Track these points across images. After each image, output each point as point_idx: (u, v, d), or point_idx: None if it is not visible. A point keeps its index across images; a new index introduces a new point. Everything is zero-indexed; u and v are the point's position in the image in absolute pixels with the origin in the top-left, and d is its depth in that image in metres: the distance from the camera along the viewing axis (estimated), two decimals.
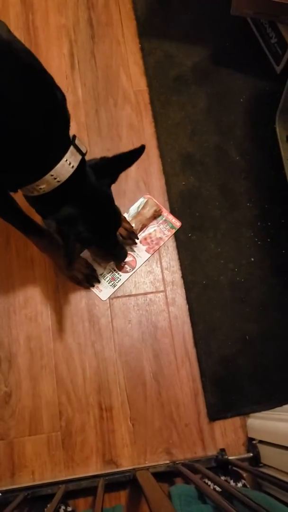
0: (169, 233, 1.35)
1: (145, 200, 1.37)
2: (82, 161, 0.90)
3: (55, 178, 0.85)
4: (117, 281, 1.30)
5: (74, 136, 0.89)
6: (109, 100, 1.48)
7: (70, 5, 1.58)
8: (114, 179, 1.02)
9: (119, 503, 1.14)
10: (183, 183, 1.40)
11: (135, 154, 0.97)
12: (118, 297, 1.30)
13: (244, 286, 1.32)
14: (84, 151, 0.90)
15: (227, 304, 1.30)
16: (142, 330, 1.27)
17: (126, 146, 1.44)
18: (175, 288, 1.32)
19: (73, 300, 1.28)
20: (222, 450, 1.17)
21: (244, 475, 1.15)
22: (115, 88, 1.50)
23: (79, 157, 0.88)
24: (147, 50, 1.54)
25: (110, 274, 1.30)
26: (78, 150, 0.88)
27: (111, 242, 1.13)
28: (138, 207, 1.37)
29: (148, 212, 1.34)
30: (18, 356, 1.23)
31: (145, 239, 1.34)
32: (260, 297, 1.31)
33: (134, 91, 1.50)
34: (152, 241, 1.34)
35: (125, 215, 1.35)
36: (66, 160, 0.85)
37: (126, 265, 1.31)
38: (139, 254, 1.32)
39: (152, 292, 1.31)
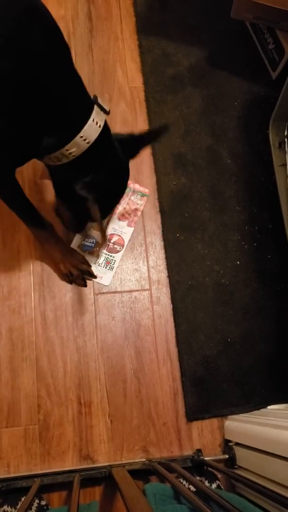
0: (142, 201, 1.37)
1: None
2: (105, 122, 0.89)
3: (84, 139, 0.84)
4: (112, 263, 1.31)
5: (95, 96, 0.89)
6: (104, 95, 1.47)
7: None
8: (134, 155, 1.01)
9: (93, 499, 1.14)
10: (174, 182, 1.40)
11: (158, 132, 0.99)
12: (103, 293, 1.29)
13: (228, 289, 1.33)
14: (107, 109, 0.89)
15: (211, 305, 1.31)
16: (125, 327, 1.27)
17: None
18: (160, 287, 1.32)
19: (58, 294, 1.27)
20: (199, 450, 1.18)
21: (219, 476, 1.17)
22: (111, 83, 1.49)
23: (104, 116, 0.88)
24: (145, 47, 1.54)
25: (103, 258, 1.31)
26: (102, 109, 0.88)
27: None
28: None
29: None
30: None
31: (123, 215, 1.35)
32: (243, 300, 1.32)
33: (130, 87, 1.50)
34: (129, 214, 1.35)
35: None
36: (93, 120, 0.84)
37: (115, 245, 1.32)
38: (123, 231, 1.34)
39: (137, 290, 1.31)
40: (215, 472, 1.16)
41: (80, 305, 1.27)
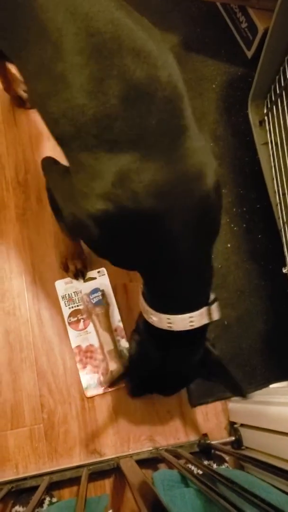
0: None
1: None
2: (206, 325, 0.86)
3: (169, 323, 0.82)
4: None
5: (215, 299, 0.86)
6: None
7: None
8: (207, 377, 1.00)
9: (103, 492, 1.15)
10: None
11: (238, 390, 0.96)
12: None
13: (221, 272, 1.33)
14: (214, 318, 0.85)
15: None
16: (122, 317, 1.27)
17: None
18: None
19: (52, 293, 1.27)
20: (205, 435, 1.19)
21: (227, 458, 1.17)
22: None
23: (205, 321, 0.84)
24: None
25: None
26: (209, 315, 0.84)
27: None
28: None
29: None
30: None
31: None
32: (237, 282, 1.32)
33: None
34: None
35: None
36: (191, 317, 0.82)
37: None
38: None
39: (131, 281, 1.30)
40: (223, 454, 1.17)
41: None
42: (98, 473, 1.13)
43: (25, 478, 1.10)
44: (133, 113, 0.68)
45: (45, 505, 1.05)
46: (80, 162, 0.73)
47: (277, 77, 1.26)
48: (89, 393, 1.21)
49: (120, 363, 1.20)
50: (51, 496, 1.09)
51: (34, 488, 1.05)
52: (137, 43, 0.68)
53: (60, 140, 0.76)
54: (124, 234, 0.75)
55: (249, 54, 1.51)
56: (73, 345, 1.24)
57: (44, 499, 1.07)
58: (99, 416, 1.20)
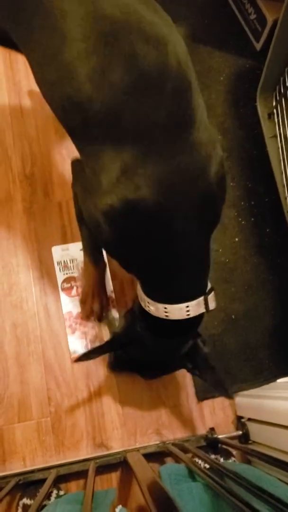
0: None
1: None
2: (201, 315, 0.86)
3: (165, 313, 0.83)
4: None
5: (212, 289, 0.87)
6: None
7: None
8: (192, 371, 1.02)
9: (110, 485, 1.15)
10: None
11: (219, 387, 0.98)
12: None
13: (229, 266, 1.32)
14: (211, 308, 0.86)
15: (212, 284, 1.30)
16: None
17: None
18: None
19: (58, 285, 1.27)
20: (212, 429, 1.18)
21: (234, 452, 1.17)
22: None
23: (201, 310, 0.85)
24: None
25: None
26: (206, 303, 0.85)
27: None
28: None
29: None
30: (5, 344, 1.22)
31: None
32: (245, 276, 1.32)
33: None
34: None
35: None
36: (187, 307, 0.82)
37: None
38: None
39: None
40: (230, 449, 1.17)
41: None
42: (105, 467, 1.13)
43: (32, 471, 1.11)
44: (140, 105, 0.66)
45: (52, 498, 1.06)
46: (90, 154, 0.73)
47: (286, 69, 1.24)
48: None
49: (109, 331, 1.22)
50: (58, 489, 1.10)
51: (41, 481, 1.06)
52: (147, 29, 0.67)
53: (70, 131, 0.75)
54: (130, 229, 0.74)
55: (258, 46, 1.49)
56: (64, 310, 1.25)
57: (52, 492, 1.07)
58: (106, 410, 1.20)
